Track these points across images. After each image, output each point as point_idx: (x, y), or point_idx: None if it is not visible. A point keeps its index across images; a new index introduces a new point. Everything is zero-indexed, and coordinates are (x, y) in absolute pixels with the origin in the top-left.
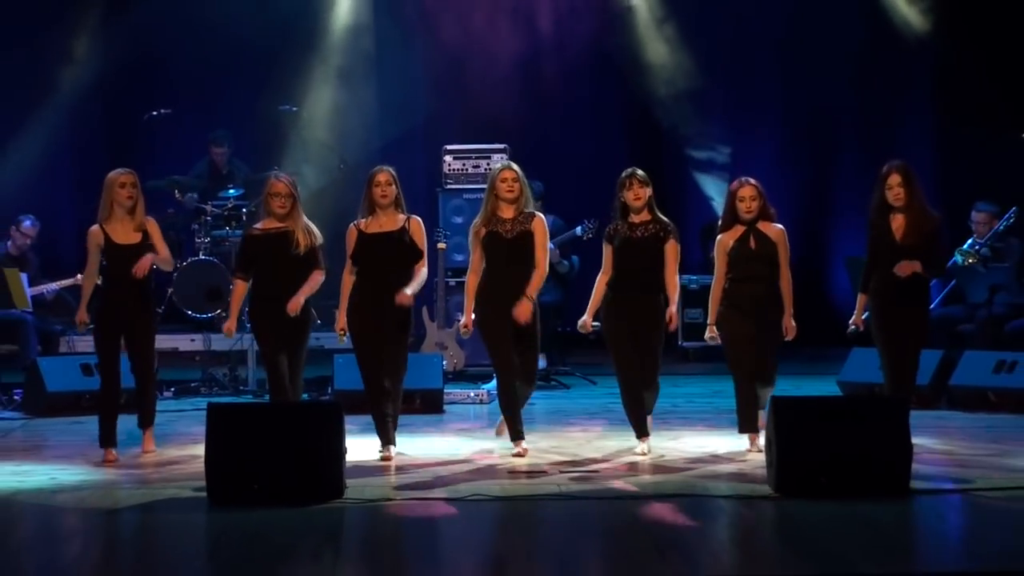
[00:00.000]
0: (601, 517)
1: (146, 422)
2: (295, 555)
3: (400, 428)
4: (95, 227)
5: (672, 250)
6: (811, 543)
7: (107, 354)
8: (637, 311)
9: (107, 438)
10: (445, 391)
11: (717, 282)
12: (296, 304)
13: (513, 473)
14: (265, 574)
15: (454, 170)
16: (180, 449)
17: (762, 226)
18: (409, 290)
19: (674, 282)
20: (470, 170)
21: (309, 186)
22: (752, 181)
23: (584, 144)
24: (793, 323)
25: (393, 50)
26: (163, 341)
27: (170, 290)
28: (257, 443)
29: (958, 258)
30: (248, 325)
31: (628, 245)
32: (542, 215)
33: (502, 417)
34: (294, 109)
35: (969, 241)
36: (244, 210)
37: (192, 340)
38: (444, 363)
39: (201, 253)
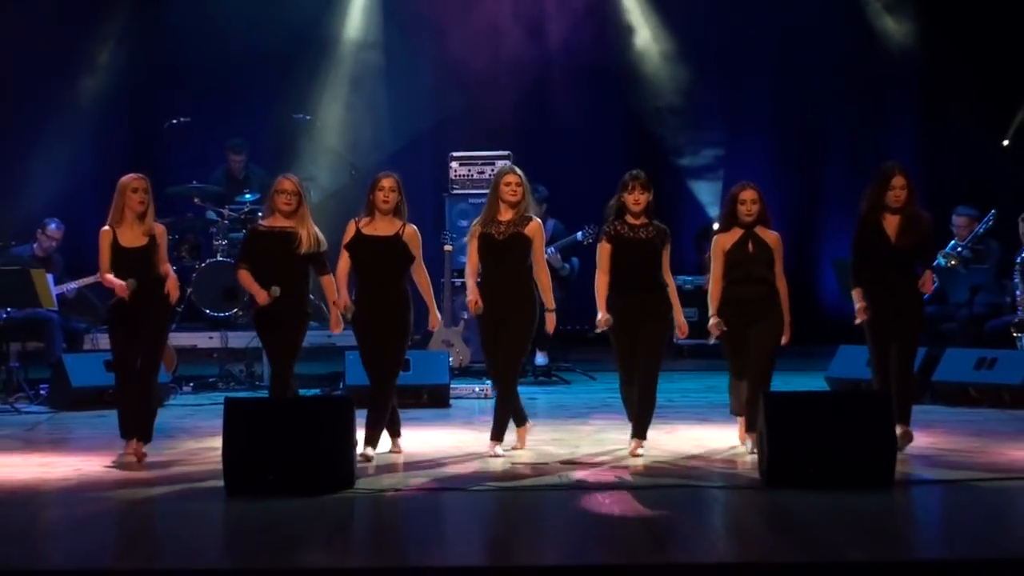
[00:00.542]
0: (600, 507)
1: (144, 437)
2: (308, 542)
3: (408, 421)
4: (106, 228)
5: (667, 254)
6: (801, 531)
7: (120, 352)
8: (640, 309)
9: (128, 429)
10: (451, 386)
11: (716, 280)
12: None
13: (516, 464)
14: (280, 560)
15: (460, 176)
16: (198, 441)
17: (760, 230)
18: (432, 319)
19: (672, 284)
20: (475, 176)
21: (322, 190)
22: (753, 185)
23: (584, 152)
24: (788, 328)
25: (401, 61)
26: (183, 338)
27: (189, 290)
28: (272, 436)
29: (940, 260)
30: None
31: (631, 245)
32: (539, 220)
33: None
34: (307, 117)
35: (951, 244)
36: (259, 214)
37: (210, 338)
38: (450, 360)
39: (219, 255)
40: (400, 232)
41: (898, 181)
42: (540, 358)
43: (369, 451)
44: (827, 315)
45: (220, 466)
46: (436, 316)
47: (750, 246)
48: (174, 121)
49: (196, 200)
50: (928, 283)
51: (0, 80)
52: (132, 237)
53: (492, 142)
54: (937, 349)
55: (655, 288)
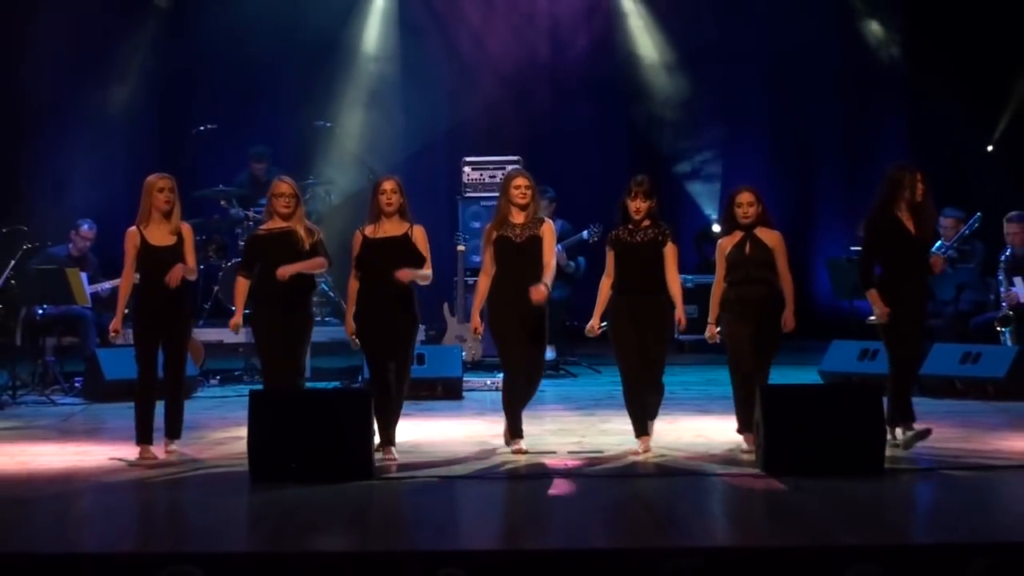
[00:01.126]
0: (605, 493)
1: (173, 433)
2: (328, 527)
3: (423, 412)
4: (132, 228)
5: (671, 252)
6: (796, 517)
7: (143, 353)
8: (641, 311)
9: (144, 434)
10: (464, 379)
11: (717, 284)
12: (286, 271)
13: (525, 453)
14: (301, 544)
15: (472, 180)
16: (224, 432)
17: (760, 231)
18: (415, 275)
19: (676, 282)
20: (487, 180)
21: (342, 193)
22: (750, 187)
23: (590, 156)
24: (792, 317)
25: (417, 71)
26: (209, 334)
27: (216, 288)
28: (294, 427)
29: None
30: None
31: (629, 249)
32: (550, 220)
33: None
34: (328, 125)
35: (937, 244)
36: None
37: (236, 333)
38: (463, 354)
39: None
40: (408, 232)
41: (919, 178)
42: (549, 352)
43: (393, 450)
44: (820, 312)
45: (245, 455)
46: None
47: (748, 248)
48: (201, 128)
49: (222, 202)
50: (939, 264)
51: (37, 90)
52: (160, 236)
53: (502, 147)
54: (924, 344)
55: (656, 291)
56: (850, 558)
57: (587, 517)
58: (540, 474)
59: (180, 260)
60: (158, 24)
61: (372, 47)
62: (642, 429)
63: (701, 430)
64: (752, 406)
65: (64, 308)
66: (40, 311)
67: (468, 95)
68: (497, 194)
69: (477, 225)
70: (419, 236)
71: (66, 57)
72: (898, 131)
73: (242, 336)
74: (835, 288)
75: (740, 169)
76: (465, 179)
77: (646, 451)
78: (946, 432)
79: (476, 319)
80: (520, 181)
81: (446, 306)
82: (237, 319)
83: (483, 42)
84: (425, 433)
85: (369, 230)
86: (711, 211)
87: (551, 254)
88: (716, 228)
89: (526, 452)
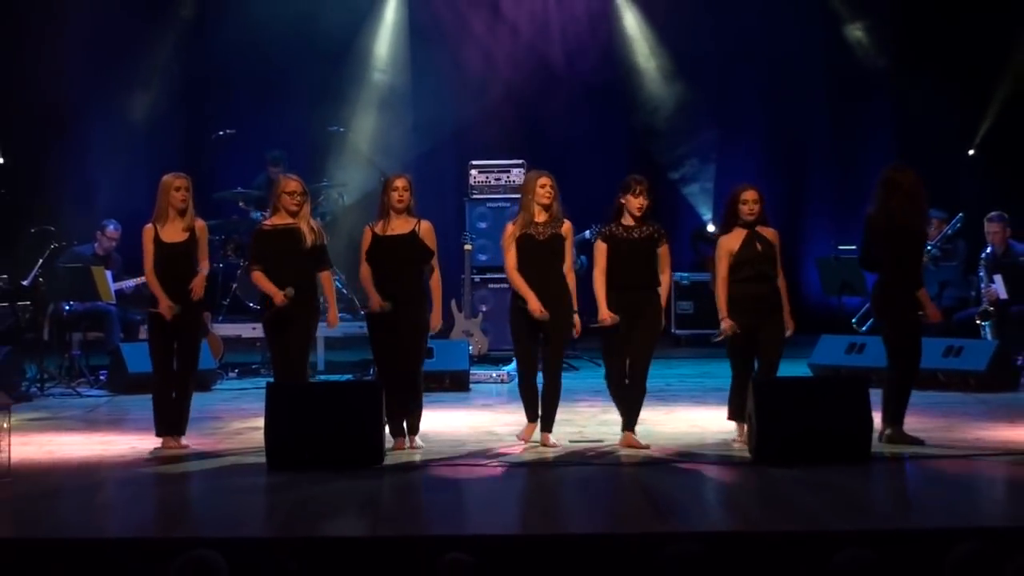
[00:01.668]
0: (606, 480)
1: (180, 431)
2: (342, 513)
3: (431, 404)
4: (148, 226)
5: (665, 253)
6: (786, 503)
7: (157, 349)
8: (634, 305)
9: (163, 427)
10: (471, 372)
11: (723, 281)
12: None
13: (529, 442)
14: (316, 529)
15: (479, 182)
16: (243, 422)
17: (761, 229)
18: (434, 318)
19: (667, 282)
20: (492, 182)
21: (354, 194)
22: (754, 185)
23: (590, 160)
24: (791, 318)
25: (425, 78)
26: (228, 329)
27: (234, 285)
28: (309, 417)
29: None
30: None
31: (626, 245)
32: (570, 222)
33: (526, 423)
34: (341, 129)
35: None
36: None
37: (253, 328)
38: (470, 348)
39: None
40: (416, 229)
41: (917, 178)
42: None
43: (418, 440)
44: (810, 308)
45: (262, 444)
46: (439, 317)
47: (757, 244)
48: (220, 133)
49: (240, 204)
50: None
51: (65, 98)
52: (173, 233)
53: (507, 151)
54: None
55: (648, 287)
56: (839, 543)
57: (589, 503)
58: (544, 462)
59: (192, 255)
60: (180, 34)
61: (383, 56)
62: (628, 423)
63: (696, 420)
64: (747, 397)
65: (90, 304)
66: (67, 307)
67: (474, 102)
68: (503, 196)
69: (483, 225)
70: (426, 231)
71: (93, 65)
72: (884, 136)
73: (258, 332)
74: (824, 285)
75: (733, 171)
76: (472, 181)
77: (628, 445)
78: (929, 423)
79: (536, 303)
80: (545, 180)
81: (453, 302)
82: (279, 294)
83: (489, 51)
84: (434, 423)
85: (379, 227)
86: (706, 211)
87: (571, 251)
88: (711, 228)
89: (554, 445)
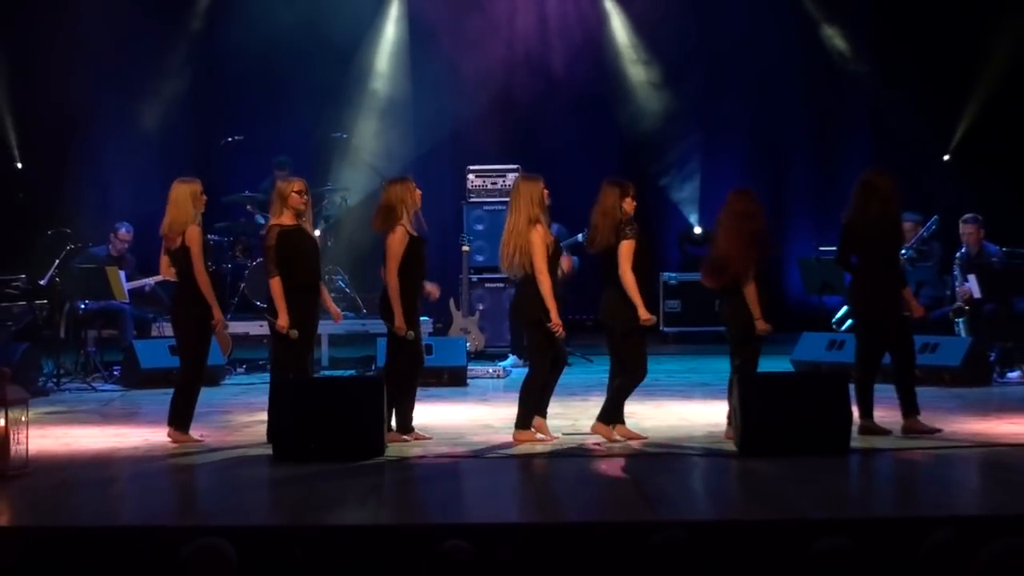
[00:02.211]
0: (599, 471)
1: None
2: (345, 502)
3: (430, 398)
4: (197, 227)
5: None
6: (770, 494)
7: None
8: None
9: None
10: (468, 368)
11: (757, 283)
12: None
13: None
14: (320, 518)
15: (476, 186)
16: (250, 415)
17: None
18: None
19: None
20: (489, 186)
21: (355, 197)
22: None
23: (582, 165)
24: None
25: (424, 87)
26: (236, 327)
27: (242, 285)
28: (313, 410)
29: None
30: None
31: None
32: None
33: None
34: (344, 136)
35: None
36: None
37: (260, 326)
38: (467, 345)
39: None
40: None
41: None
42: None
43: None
44: (792, 306)
45: (268, 436)
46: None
47: None
48: (228, 139)
49: (248, 207)
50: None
51: (81, 105)
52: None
53: (502, 156)
54: None
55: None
56: (819, 531)
57: (581, 493)
58: (539, 453)
59: (187, 261)
60: (190, 45)
61: (384, 65)
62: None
63: (684, 414)
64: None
65: (104, 303)
66: (82, 306)
67: (470, 108)
68: (498, 199)
69: (480, 227)
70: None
71: (108, 76)
72: (863, 140)
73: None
74: (805, 285)
75: (718, 175)
76: (469, 185)
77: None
78: None
79: (556, 316)
80: (544, 187)
81: (452, 301)
82: (284, 321)
83: (485, 61)
84: (433, 417)
85: (409, 228)
86: (691, 214)
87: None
88: (697, 230)
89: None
